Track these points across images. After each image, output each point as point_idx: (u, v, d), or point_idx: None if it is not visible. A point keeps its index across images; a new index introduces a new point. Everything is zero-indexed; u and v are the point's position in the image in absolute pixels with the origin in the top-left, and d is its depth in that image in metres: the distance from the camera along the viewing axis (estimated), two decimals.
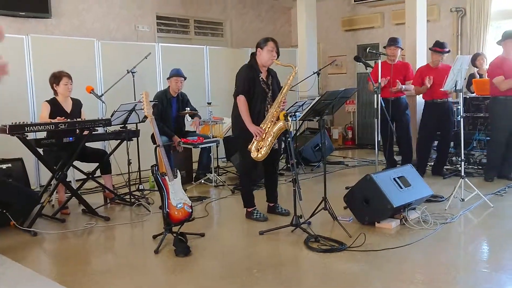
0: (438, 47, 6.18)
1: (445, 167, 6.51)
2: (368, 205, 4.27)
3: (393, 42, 6.42)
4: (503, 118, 5.82)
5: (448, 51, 6.26)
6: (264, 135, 4.34)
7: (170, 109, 6.19)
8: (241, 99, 4.42)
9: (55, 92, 5.20)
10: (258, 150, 4.35)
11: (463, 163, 5.07)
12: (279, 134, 4.38)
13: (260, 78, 4.51)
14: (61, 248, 4.12)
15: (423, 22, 7.39)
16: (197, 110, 6.29)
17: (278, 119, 4.33)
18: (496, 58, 5.95)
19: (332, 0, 10.18)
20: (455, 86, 5.00)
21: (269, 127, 4.35)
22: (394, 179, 4.38)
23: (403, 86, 6.28)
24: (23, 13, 6.90)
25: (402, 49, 6.59)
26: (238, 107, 4.46)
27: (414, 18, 7.27)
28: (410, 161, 6.24)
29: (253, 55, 4.59)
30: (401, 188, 4.34)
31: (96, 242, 4.26)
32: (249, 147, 4.39)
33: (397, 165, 6.19)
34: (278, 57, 4.51)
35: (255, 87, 4.46)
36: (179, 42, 8.67)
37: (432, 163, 6.58)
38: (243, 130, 4.43)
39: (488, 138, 6.36)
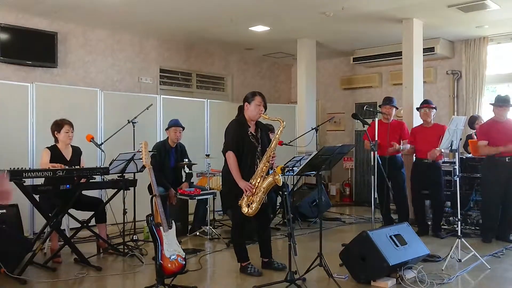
0: (426, 104, 6.35)
1: (442, 227, 6.49)
2: (364, 262, 4.22)
3: (388, 101, 6.57)
4: (494, 178, 5.88)
5: (435, 107, 6.41)
6: (254, 190, 4.34)
7: (169, 160, 6.24)
8: (230, 155, 4.44)
9: (56, 140, 5.25)
10: (249, 205, 4.34)
11: (459, 223, 5.05)
12: (269, 189, 4.38)
13: (249, 132, 4.54)
14: None
15: (419, 83, 7.58)
16: (191, 162, 6.33)
17: (268, 174, 4.36)
18: (488, 121, 6.13)
19: (331, 59, 10.47)
20: (451, 146, 5.06)
21: (259, 182, 4.35)
22: (390, 236, 4.35)
23: (401, 146, 6.38)
24: (30, 62, 7.08)
25: (397, 108, 6.72)
26: (228, 163, 4.48)
27: (411, 79, 7.46)
28: (407, 219, 6.21)
29: (241, 108, 4.63)
30: (397, 246, 4.31)
31: None
32: (239, 202, 4.38)
33: (394, 223, 6.16)
34: (265, 110, 4.56)
35: (244, 142, 4.48)
36: (181, 95, 8.83)
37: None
38: (233, 185, 4.42)
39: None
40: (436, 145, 6.14)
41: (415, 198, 6.44)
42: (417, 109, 6.47)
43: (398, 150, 6.38)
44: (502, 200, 5.95)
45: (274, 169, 4.35)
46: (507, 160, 5.81)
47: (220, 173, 6.46)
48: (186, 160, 6.21)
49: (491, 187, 5.95)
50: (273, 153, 4.43)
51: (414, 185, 6.41)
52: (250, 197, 4.34)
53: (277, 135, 4.44)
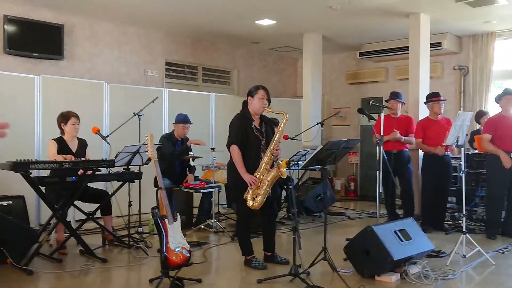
0: (435, 97, 6.27)
1: (447, 222, 6.48)
2: (368, 257, 4.22)
3: (394, 96, 6.53)
4: (500, 173, 5.82)
5: (444, 100, 6.36)
6: (259, 183, 4.35)
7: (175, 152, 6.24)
8: (235, 149, 4.45)
9: (62, 132, 5.27)
10: (254, 199, 4.35)
11: (464, 219, 5.03)
12: (273, 182, 4.39)
13: (253, 126, 4.54)
14: None
15: (426, 78, 7.54)
16: (194, 155, 6.35)
17: (272, 167, 4.37)
18: (495, 115, 6.07)
19: (338, 53, 10.43)
20: (457, 141, 5.04)
21: (263, 176, 4.37)
22: (395, 231, 4.35)
23: (403, 137, 6.34)
24: (36, 54, 7.09)
25: (404, 103, 6.67)
26: (232, 157, 4.49)
27: (417, 74, 7.42)
28: (412, 214, 6.21)
29: (245, 103, 4.64)
30: (402, 241, 4.31)
31: (92, 284, 4.20)
32: (244, 196, 4.39)
33: (399, 218, 6.15)
34: (269, 104, 4.57)
35: (248, 136, 4.49)
36: (187, 88, 8.84)
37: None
38: (238, 179, 4.43)
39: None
40: None
41: (426, 193, 6.32)
42: (429, 101, 6.32)
43: (399, 139, 6.32)
44: (507, 195, 5.92)
45: (279, 162, 4.35)
46: None
47: (225, 167, 6.51)
48: (192, 153, 6.22)
49: (496, 182, 5.90)
50: (277, 146, 4.44)
51: (427, 179, 6.30)
52: (255, 190, 4.35)
53: (281, 128, 4.45)
